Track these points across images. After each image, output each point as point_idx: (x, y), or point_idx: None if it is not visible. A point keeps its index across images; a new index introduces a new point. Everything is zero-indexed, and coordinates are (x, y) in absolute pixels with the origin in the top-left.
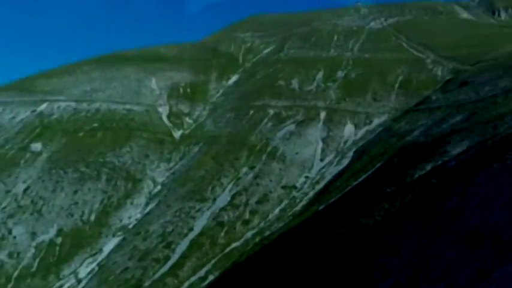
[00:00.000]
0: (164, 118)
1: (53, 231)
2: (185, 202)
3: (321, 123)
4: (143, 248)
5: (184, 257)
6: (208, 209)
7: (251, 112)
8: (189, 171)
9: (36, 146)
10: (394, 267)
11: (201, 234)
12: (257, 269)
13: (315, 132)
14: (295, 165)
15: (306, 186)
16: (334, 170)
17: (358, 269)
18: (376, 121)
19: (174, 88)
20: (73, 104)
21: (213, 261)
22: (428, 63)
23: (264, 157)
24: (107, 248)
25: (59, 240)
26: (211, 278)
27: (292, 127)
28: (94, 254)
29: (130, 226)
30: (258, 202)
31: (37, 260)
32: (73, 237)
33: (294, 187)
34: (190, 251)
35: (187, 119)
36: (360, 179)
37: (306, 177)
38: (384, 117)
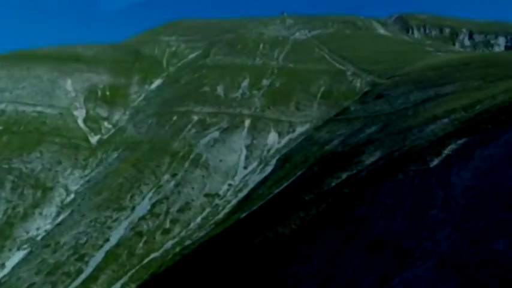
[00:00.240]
0: (80, 122)
1: None
2: (101, 211)
3: (245, 130)
4: (52, 262)
5: (98, 269)
6: (126, 219)
7: (174, 118)
8: (106, 179)
9: None
10: (306, 275)
11: (117, 245)
12: (176, 279)
13: (239, 140)
14: (218, 173)
15: (229, 194)
16: (257, 178)
17: (273, 277)
18: (299, 130)
19: (91, 90)
20: None
21: (130, 273)
22: (349, 75)
23: (186, 164)
24: (11, 263)
25: None
26: None
27: (216, 134)
28: None
29: (39, 238)
30: (180, 210)
31: None
32: None
33: (217, 195)
34: (106, 263)
35: (105, 123)
36: (282, 187)
37: (229, 184)
38: (306, 126)
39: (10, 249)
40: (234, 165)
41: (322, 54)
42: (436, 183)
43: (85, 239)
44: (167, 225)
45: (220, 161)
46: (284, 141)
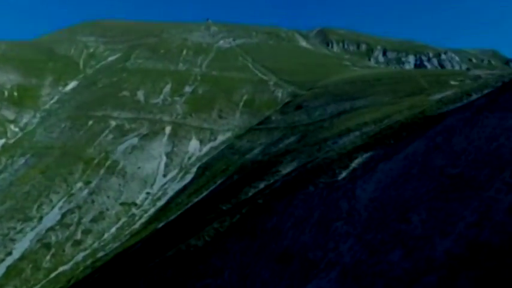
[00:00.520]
0: None
1: None
2: (3, 222)
3: (165, 137)
4: None
5: None
6: (32, 230)
7: (90, 123)
8: (11, 187)
9: None
10: None
11: (21, 258)
12: None
13: (159, 147)
14: (136, 181)
15: (146, 202)
16: (177, 186)
17: None
18: (221, 138)
19: None
20: None
21: None
22: (271, 85)
23: (102, 171)
24: None
25: None
26: None
27: (135, 140)
28: None
29: None
30: (93, 220)
31: None
32: None
33: (134, 204)
34: (7, 279)
35: (12, 126)
36: (201, 196)
37: (147, 193)
38: (228, 134)
39: None
40: (153, 173)
41: (245, 64)
42: (342, 195)
43: None
44: (78, 236)
45: (139, 168)
46: (205, 149)
